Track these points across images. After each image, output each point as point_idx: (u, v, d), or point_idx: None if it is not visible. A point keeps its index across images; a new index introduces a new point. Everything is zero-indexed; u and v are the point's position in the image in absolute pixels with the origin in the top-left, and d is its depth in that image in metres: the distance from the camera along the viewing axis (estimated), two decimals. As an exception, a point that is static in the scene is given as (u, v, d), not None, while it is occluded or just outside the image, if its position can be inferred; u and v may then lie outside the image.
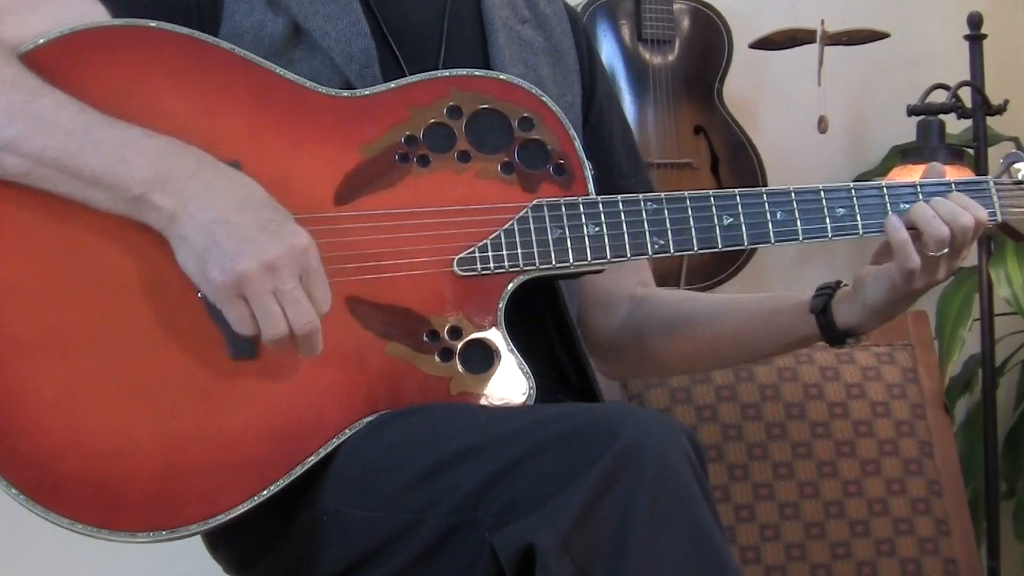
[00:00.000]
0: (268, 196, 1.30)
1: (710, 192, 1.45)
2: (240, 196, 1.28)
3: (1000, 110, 2.51)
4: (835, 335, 1.53)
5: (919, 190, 1.49)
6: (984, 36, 2.55)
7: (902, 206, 1.48)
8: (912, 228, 1.45)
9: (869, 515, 1.99)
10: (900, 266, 1.44)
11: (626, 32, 2.53)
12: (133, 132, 1.30)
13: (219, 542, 1.47)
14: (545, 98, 1.45)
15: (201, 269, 1.26)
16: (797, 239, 1.46)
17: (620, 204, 1.42)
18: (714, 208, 1.44)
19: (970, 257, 1.55)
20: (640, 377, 1.95)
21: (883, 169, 2.70)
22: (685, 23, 2.60)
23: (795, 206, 1.46)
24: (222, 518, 1.28)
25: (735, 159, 2.58)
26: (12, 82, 1.30)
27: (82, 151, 1.27)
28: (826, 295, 1.53)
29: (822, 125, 2.63)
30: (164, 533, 1.27)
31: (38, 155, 1.27)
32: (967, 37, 2.55)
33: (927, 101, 2.42)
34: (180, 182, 1.27)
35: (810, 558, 1.96)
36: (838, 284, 1.54)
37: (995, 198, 1.53)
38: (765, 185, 2.55)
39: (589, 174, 1.44)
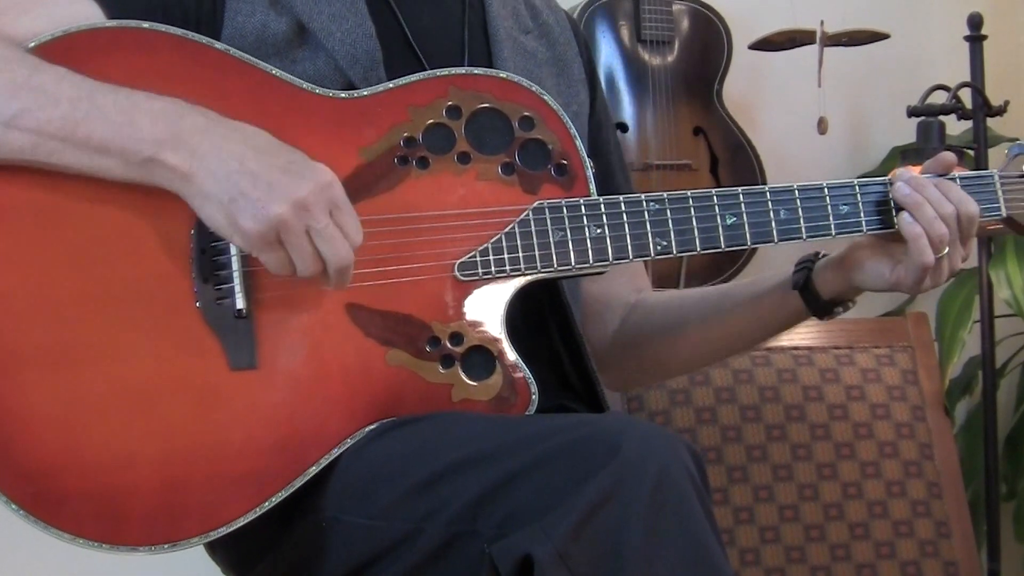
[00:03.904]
0: (280, 141, 1.29)
1: (713, 191, 1.43)
2: (255, 144, 1.27)
3: (1000, 111, 2.50)
4: (821, 308, 1.51)
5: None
6: (984, 37, 2.54)
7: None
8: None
9: (869, 517, 1.99)
10: (914, 262, 1.43)
11: (625, 33, 2.52)
12: (138, 96, 1.28)
13: (217, 545, 1.46)
14: (546, 96, 1.43)
15: (231, 221, 1.25)
16: (801, 238, 1.44)
17: (622, 204, 1.40)
18: (717, 207, 1.43)
19: (970, 259, 1.53)
20: (641, 384, 1.94)
21: (883, 170, 2.70)
22: (684, 24, 2.60)
23: (798, 203, 1.44)
24: (223, 530, 1.28)
25: (735, 160, 2.58)
26: (15, 59, 1.29)
27: (88, 118, 1.26)
28: (806, 268, 1.51)
29: (822, 126, 2.62)
30: (166, 546, 1.27)
31: (43, 127, 1.25)
32: (967, 38, 2.55)
33: (927, 102, 2.41)
34: (191, 138, 1.26)
35: (810, 560, 1.96)
36: (817, 255, 1.52)
37: (1000, 192, 1.51)
38: (765, 187, 2.54)
39: (591, 173, 1.42)
